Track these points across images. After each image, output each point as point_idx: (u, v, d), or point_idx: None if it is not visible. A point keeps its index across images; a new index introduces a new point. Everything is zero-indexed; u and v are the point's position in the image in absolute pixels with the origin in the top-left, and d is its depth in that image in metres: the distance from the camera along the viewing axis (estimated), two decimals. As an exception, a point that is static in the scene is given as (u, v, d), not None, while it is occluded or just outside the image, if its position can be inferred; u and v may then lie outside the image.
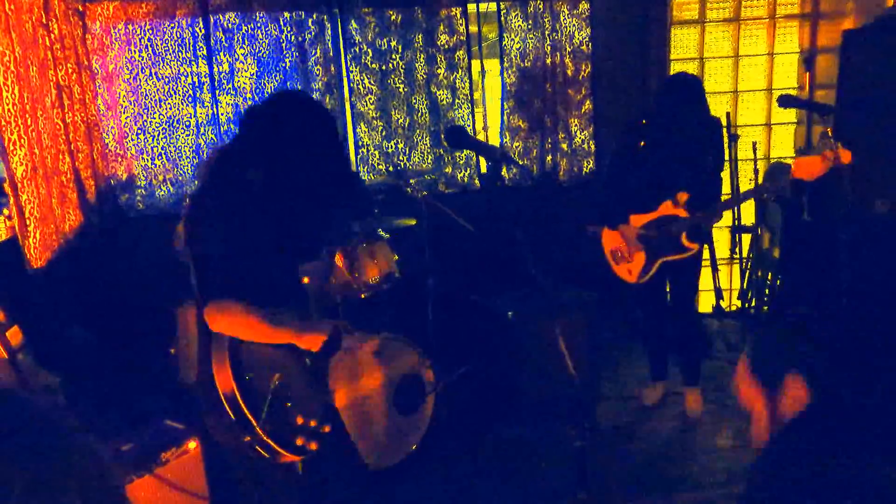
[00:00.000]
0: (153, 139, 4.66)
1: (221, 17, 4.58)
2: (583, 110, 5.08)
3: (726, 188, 4.81)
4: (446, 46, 4.88)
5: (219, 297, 1.84)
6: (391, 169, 4.77)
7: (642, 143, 3.52)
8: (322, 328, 1.94)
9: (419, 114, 4.95)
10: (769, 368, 1.24)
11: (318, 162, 1.92)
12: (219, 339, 1.89)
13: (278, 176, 1.90)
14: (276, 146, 1.88)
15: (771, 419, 1.22)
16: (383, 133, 4.94)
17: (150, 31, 4.52)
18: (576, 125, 5.09)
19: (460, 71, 4.92)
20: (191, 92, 4.64)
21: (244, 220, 1.87)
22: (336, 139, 1.98)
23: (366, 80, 4.85)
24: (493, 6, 4.90)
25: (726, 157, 4.69)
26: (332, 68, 4.81)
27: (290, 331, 1.92)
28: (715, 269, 4.91)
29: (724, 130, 4.65)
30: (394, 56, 4.85)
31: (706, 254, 4.75)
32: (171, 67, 4.60)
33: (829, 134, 3.04)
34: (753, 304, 5.02)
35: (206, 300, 1.86)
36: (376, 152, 4.95)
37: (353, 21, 4.77)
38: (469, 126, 4.92)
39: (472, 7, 4.86)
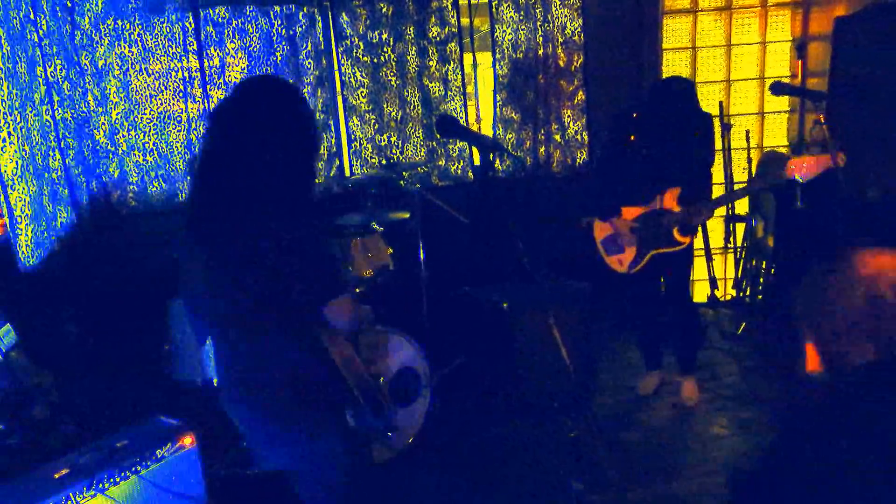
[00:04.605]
0: (144, 135, 4.63)
1: (211, 12, 4.55)
2: (575, 101, 5.07)
3: (720, 178, 4.81)
4: (438, 39, 4.87)
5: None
6: (384, 162, 4.75)
7: (632, 137, 3.52)
8: None
9: (411, 106, 4.93)
10: None
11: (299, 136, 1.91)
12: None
13: (277, 160, 1.85)
14: (268, 132, 1.85)
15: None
16: (376, 126, 4.92)
17: (140, 26, 4.49)
18: (569, 116, 5.08)
19: (452, 63, 4.90)
20: (181, 87, 4.60)
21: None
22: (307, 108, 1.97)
23: (357, 73, 4.83)
24: (484, -3, 4.89)
25: (719, 148, 4.70)
26: (324, 61, 4.79)
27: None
28: (709, 259, 4.91)
29: (717, 122, 4.68)
30: (385, 49, 4.83)
31: (700, 244, 4.76)
32: (161, 63, 4.56)
33: (822, 121, 3.04)
34: (748, 293, 5.03)
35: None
36: (369, 146, 4.93)
37: (343, 14, 4.75)
38: (462, 118, 4.91)
39: (463, -2, 4.84)
